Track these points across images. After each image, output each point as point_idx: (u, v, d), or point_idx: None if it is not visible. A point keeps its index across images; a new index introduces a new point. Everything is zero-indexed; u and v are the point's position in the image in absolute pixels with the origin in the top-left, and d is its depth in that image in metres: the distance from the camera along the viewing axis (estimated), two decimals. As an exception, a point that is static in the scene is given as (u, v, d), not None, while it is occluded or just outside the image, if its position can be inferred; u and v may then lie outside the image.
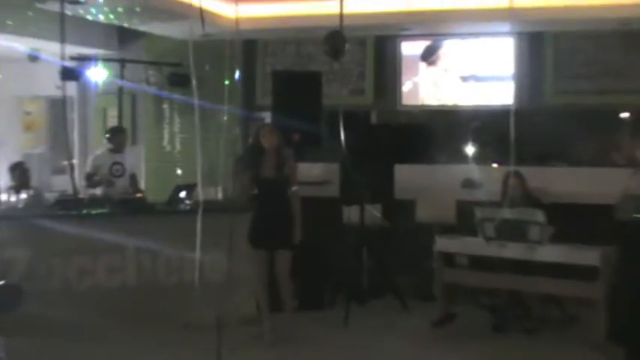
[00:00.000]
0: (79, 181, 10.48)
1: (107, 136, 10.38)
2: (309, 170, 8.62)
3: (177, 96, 11.53)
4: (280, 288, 8.23)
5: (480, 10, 9.96)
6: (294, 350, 7.89)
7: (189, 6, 9.33)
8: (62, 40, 7.99)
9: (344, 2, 9.23)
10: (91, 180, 9.92)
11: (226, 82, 7.23)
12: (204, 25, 10.24)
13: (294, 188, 8.19)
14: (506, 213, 8.24)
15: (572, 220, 8.34)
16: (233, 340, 7.93)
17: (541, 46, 11.90)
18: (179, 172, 12.11)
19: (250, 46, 12.62)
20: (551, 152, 11.91)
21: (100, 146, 10.85)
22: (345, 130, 9.39)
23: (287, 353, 7.80)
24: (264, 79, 12.17)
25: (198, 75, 11.55)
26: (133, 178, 10.27)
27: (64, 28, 8.02)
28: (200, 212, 3.90)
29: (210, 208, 8.88)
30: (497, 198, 8.98)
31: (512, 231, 8.12)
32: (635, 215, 4.58)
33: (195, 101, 3.87)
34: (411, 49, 12.26)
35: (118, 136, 10.28)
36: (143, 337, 7.83)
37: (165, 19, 10.10)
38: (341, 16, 7.00)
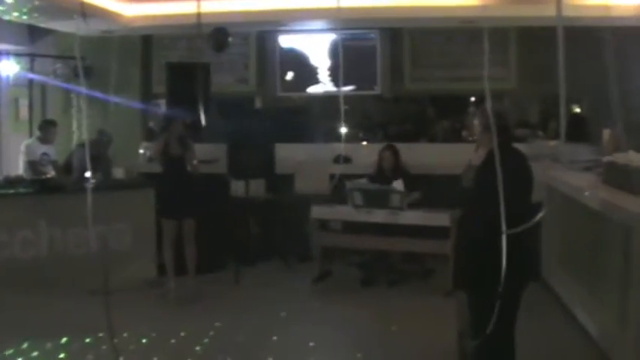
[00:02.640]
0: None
1: (39, 127, 10.13)
2: (200, 150, 8.60)
3: (77, 87, 11.31)
4: (187, 252, 8.30)
5: (345, 9, 10.09)
6: (194, 307, 7.92)
7: (86, 5, 9.20)
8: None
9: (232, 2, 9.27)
10: (36, 168, 9.65)
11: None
12: (105, 22, 10.21)
13: (195, 162, 8.29)
14: (372, 184, 8.45)
15: (432, 188, 8.61)
16: (137, 302, 7.98)
17: (400, 40, 12.15)
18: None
19: (147, 40, 12.51)
20: (414, 131, 12.18)
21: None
22: (231, 114, 9.45)
23: (189, 309, 7.82)
24: (159, 70, 12.07)
25: (101, 67, 11.50)
26: (55, 164, 10.03)
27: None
28: (89, 189, 3.78)
29: (116, 185, 8.93)
30: (366, 171, 9.19)
31: (377, 199, 8.32)
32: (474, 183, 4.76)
33: (83, 90, 3.83)
34: (289, 42, 12.35)
35: (48, 129, 10.02)
36: (54, 304, 7.72)
37: (64, 17, 9.88)
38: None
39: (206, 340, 6.72)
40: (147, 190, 8.74)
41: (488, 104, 3.77)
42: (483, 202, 4.53)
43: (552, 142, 10.01)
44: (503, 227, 3.91)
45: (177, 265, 8.26)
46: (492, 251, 4.38)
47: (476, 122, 4.89)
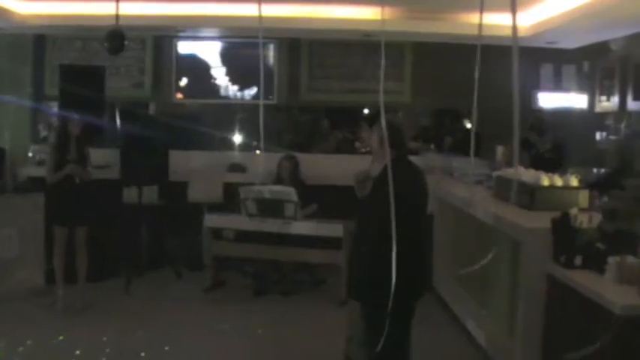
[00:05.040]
0: None
1: None
2: (93, 155, 8.43)
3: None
4: (78, 259, 8.10)
5: (241, 17, 10.09)
6: (83, 316, 7.72)
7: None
8: None
9: (128, 4, 9.09)
10: None
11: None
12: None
13: (88, 169, 8.11)
14: (266, 193, 8.45)
15: (326, 198, 8.67)
16: (24, 311, 7.77)
17: (298, 50, 12.23)
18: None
19: (40, 40, 12.21)
20: (307, 141, 12.26)
21: None
22: (125, 119, 9.31)
23: (77, 319, 7.60)
24: (52, 71, 11.78)
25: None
26: None
27: None
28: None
29: (3, 189, 8.67)
30: (260, 180, 9.19)
31: (271, 208, 8.33)
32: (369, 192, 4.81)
33: None
34: (186, 48, 12.27)
35: None
36: None
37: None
38: (117, 16, 6.83)
39: (95, 354, 6.56)
40: (36, 194, 8.51)
41: (383, 118, 3.82)
42: (379, 214, 4.59)
43: (445, 156, 10.25)
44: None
45: (67, 273, 8.08)
46: (387, 263, 4.45)
47: (373, 135, 4.95)
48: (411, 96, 11.94)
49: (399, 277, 3.89)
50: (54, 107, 10.65)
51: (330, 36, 11.52)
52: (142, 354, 6.57)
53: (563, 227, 5.02)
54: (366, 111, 12.67)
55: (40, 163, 9.31)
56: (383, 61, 4.06)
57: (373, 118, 4.92)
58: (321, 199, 8.79)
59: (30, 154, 10.37)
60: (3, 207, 8.31)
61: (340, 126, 13.19)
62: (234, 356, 6.69)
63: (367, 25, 10.22)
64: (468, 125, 13.80)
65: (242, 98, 12.22)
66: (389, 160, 4.10)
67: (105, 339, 6.90)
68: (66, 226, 7.98)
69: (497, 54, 11.47)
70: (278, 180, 9.10)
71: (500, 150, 9.06)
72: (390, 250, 4.29)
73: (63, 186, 7.93)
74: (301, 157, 9.73)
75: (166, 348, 6.71)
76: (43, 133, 11.75)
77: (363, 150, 11.92)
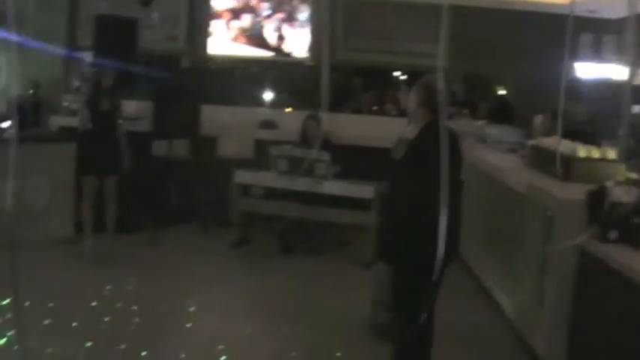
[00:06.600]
0: None
1: None
2: (125, 107, 8.41)
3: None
4: (107, 210, 8.17)
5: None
6: (110, 266, 7.75)
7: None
8: None
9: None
10: None
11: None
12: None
13: (120, 121, 8.12)
14: (297, 151, 8.39)
15: (354, 159, 8.59)
16: (52, 259, 7.79)
17: (334, 9, 12.11)
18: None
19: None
20: (338, 101, 12.16)
21: None
22: (158, 72, 9.26)
23: (104, 269, 7.64)
24: (85, 22, 11.70)
25: (21, 13, 11.11)
26: None
27: None
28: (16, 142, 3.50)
29: (34, 137, 8.67)
30: (290, 138, 9.14)
31: (302, 167, 8.27)
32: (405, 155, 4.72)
33: (15, 37, 3.56)
34: (221, 2, 12.16)
35: None
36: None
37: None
38: None
39: (119, 304, 6.56)
40: (67, 144, 8.50)
41: (441, 82, 3.73)
42: (414, 177, 4.52)
43: (479, 122, 10.12)
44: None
45: (95, 223, 8.09)
46: (420, 226, 4.39)
47: (412, 97, 4.85)
48: (447, 59, 11.80)
49: (431, 243, 3.81)
50: (87, 57, 10.58)
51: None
52: (165, 305, 6.57)
53: (598, 200, 4.92)
54: (395, 73, 12.60)
55: (73, 113, 9.26)
56: (445, 26, 3.95)
57: (408, 80, 4.84)
58: (349, 159, 8.69)
59: (65, 104, 10.34)
60: (34, 156, 8.30)
61: (371, 87, 13.09)
62: (257, 312, 6.66)
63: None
64: (501, 92, 13.68)
65: (277, 54, 12.11)
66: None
67: (130, 288, 6.98)
68: (96, 176, 7.99)
69: (535, 21, 11.39)
70: (303, 139, 9.02)
71: (539, 119, 8.91)
72: (424, 215, 4.23)
73: (95, 136, 7.93)
74: (331, 116, 9.62)
75: (188, 301, 6.70)
76: (76, 83, 11.69)
77: (394, 112, 11.84)
